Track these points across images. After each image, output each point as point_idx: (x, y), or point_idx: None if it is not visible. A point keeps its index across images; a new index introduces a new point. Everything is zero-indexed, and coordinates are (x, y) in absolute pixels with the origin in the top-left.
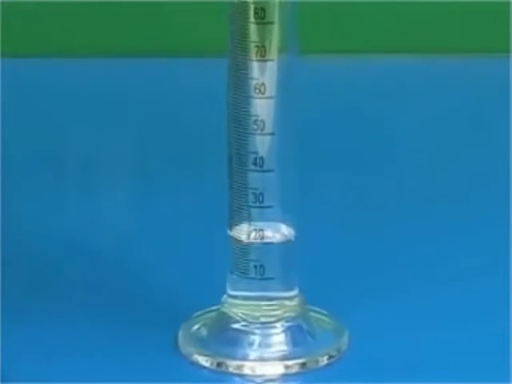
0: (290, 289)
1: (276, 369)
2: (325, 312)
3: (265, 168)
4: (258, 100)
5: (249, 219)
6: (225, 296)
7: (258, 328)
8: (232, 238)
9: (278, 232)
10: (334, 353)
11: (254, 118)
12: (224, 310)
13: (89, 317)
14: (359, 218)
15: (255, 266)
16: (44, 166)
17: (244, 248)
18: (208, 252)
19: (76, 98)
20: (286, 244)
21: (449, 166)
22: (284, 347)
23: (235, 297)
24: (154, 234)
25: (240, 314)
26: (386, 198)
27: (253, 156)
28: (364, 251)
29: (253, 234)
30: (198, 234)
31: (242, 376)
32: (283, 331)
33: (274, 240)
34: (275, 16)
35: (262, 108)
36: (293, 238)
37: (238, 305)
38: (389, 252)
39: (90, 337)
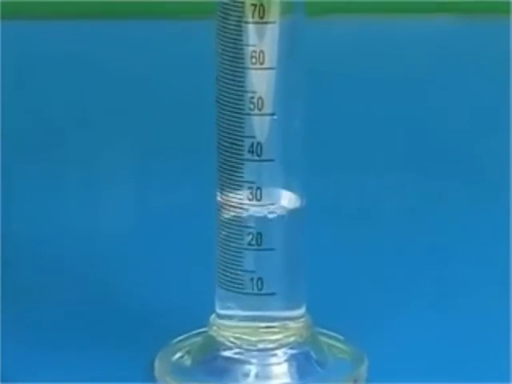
0: (295, 307)
1: None
2: (339, 337)
3: (263, 157)
4: (255, 72)
5: (243, 220)
6: (213, 316)
7: (254, 356)
8: (222, 243)
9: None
10: None
11: (250, 95)
12: (212, 333)
13: (60, 330)
14: (367, 224)
15: (252, 279)
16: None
17: (237, 256)
18: (198, 260)
19: (62, 63)
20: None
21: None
22: (287, 379)
23: (226, 317)
24: (141, 236)
25: (232, 339)
26: (392, 200)
27: (249, 142)
28: (374, 262)
29: (248, 239)
30: (188, 239)
31: None
32: (286, 360)
33: (276, 211)
34: None
35: (260, 82)
36: (298, 206)
37: (230, 327)
38: (402, 262)
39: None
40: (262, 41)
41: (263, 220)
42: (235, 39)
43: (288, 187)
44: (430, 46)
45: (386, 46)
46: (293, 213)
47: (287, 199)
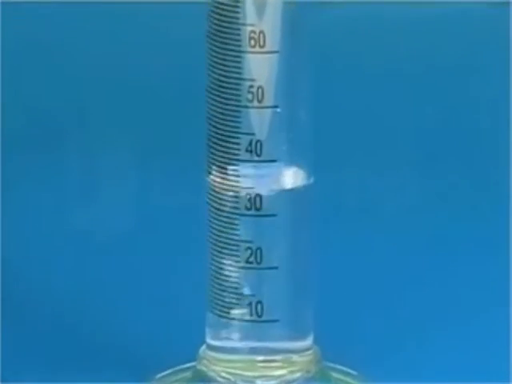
0: (301, 337)
1: None
2: (352, 372)
3: (263, 157)
4: (254, 56)
5: (240, 233)
6: (203, 348)
7: None
8: (214, 261)
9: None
10: None
11: (248, 84)
12: (202, 367)
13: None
14: (371, 226)
15: (250, 304)
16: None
17: (232, 276)
18: (191, 282)
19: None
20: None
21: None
22: None
23: (218, 349)
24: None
25: (224, 374)
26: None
27: (246, 139)
28: (372, 264)
29: (246, 255)
30: (185, 245)
31: None
32: None
33: (279, 221)
34: None
35: (261, 68)
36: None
37: (223, 360)
38: (401, 260)
39: None
40: (262, 19)
41: (264, 232)
42: (230, 17)
43: (293, 192)
44: (440, 32)
45: (400, 29)
46: (298, 222)
47: (292, 208)
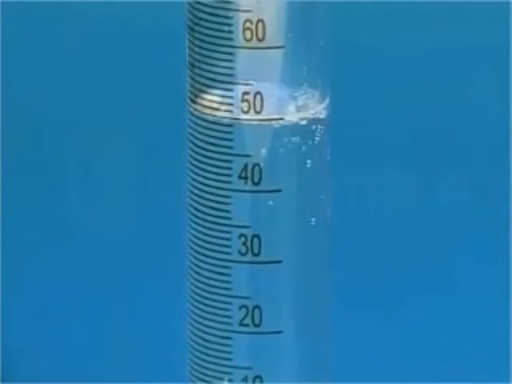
0: None
1: None
2: None
3: (263, 187)
4: (249, 53)
5: (230, 279)
6: None
7: None
8: (195, 321)
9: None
10: None
11: (241, 90)
12: None
13: None
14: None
15: (245, 379)
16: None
17: (221, 343)
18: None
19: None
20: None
21: None
22: None
23: None
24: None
25: None
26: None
27: (240, 162)
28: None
29: (239, 315)
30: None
31: None
32: None
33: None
34: None
35: (258, 69)
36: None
37: None
38: (399, 256)
39: None
40: (261, 3)
41: (263, 279)
42: (219, 1)
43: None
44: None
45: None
46: (310, 267)
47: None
